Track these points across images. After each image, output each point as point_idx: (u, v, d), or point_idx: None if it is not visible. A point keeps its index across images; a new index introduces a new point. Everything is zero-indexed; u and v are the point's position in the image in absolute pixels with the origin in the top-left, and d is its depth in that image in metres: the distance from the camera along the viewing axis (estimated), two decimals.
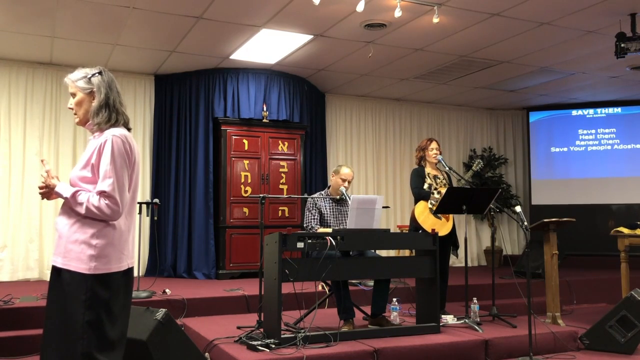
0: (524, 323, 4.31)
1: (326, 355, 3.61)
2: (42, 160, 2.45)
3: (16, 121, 6.81)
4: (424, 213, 4.92)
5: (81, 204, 2.27)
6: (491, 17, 5.52)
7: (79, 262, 2.25)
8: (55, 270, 2.33)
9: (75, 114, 2.45)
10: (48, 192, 2.36)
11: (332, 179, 4.79)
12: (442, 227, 4.85)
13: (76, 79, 2.42)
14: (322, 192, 4.80)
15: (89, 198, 2.27)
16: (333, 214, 4.70)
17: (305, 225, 4.67)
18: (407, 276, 4.89)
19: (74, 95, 2.43)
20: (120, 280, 2.34)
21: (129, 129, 2.46)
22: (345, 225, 4.55)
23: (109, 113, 2.39)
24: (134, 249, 2.48)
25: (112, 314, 2.29)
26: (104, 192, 2.26)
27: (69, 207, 2.33)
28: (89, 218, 2.28)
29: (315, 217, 4.64)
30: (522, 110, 9.74)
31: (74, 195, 2.29)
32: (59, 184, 2.34)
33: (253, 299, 5.23)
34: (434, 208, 4.87)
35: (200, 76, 7.26)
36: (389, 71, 7.38)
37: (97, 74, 2.42)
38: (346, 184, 4.70)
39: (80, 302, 2.23)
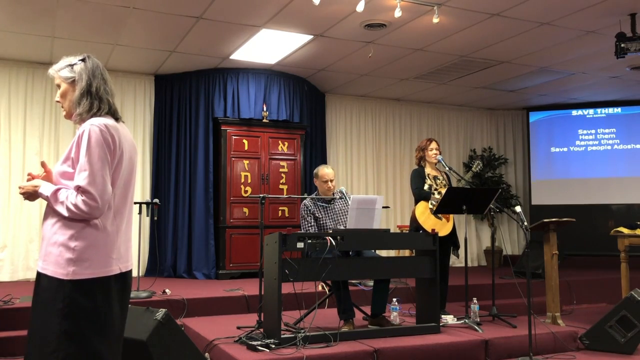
0: (524, 323, 4.30)
1: (326, 355, 3.61)
2: (42, 163, 2.29)
3: (16, 121, 6.81)
4: (424, 213, 4.92)
5: (62, 202, 2.06)
6: (491, 17, 5.52)
7: (57, 266, 2.04)
8: (37, 275, 2.13)
9: (62, 106, 2.27)
10: (30, 194, 2.18)
11: (316, 184, 4.71)
12: (443, 227, 4.86)
13: (59, 69, 2.24)
14: (313, 196, 4.69)
15: (68, 196, 2.06)
16: (328, 216, 4.64)
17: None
18: (407, 276, 4.89)
19: (59, 86, 2.25)
20: (112, 285, 2.13)
21: (117, 119, 2.24)
22: (343, 224, 4.54)
23: (91, 101, 2.18)
24: (130, 252, 2.28)
25: (99, 324, 2.06)
26: (80, 186, 2.04)
27: (51, 207, 2.13)
28: (69, 218, 2.07)
29: (312, 223, 4.58)
30: (522, 110, 9.74)
31: (54, 194, 2.09)
32: (42, 184, 2.16)
33: (253, 299, 5.23)
34: (435, 208, 4.87)
35: (200, 76, 7.26)
36: (389, 71, 7.38)
37: (79, 62, 2.23)
38: (330, 184, 4.60)
39: (57, 311, 2.01)
